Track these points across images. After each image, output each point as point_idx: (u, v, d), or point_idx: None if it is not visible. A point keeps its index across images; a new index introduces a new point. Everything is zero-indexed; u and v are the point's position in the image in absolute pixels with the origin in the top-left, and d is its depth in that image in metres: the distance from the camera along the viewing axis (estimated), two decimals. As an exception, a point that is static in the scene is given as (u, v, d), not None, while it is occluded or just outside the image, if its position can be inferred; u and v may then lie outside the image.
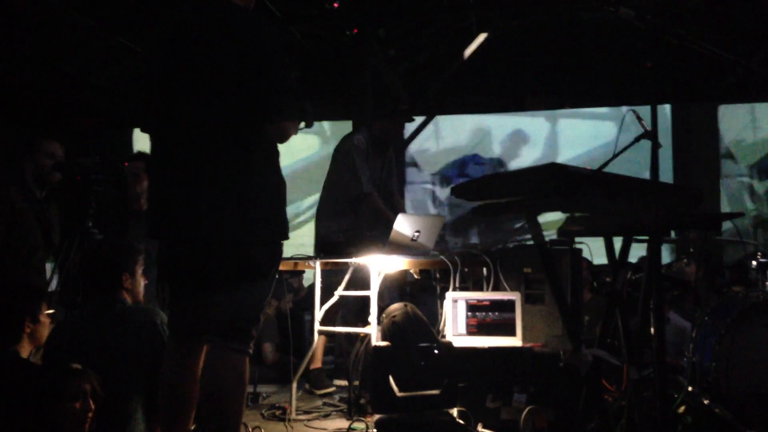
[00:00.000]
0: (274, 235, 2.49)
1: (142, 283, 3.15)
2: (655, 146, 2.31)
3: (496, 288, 3.90)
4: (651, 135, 2.39)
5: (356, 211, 4.62)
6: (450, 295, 3.74)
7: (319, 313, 4.00)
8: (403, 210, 4.86)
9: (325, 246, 4.09)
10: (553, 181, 2.39)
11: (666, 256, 7.29)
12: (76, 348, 2.81)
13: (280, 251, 2.56)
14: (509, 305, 3.66)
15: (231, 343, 2.42)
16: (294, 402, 3.94)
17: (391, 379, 3.31)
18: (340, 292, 3.99)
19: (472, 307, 3.72)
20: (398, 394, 3.29)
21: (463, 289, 3.94)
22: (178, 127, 2.42)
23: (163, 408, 2.52)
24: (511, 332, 3.63)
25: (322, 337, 4.46)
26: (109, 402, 2.57)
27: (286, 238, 2.53)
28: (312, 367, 4.45)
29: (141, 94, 2.60)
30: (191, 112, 2.40)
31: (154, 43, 2.59)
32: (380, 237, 3.89)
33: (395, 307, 3.67)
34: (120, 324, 2.93)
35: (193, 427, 2.53)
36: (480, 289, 3.99)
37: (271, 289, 2.52)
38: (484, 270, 4.00)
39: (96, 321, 2.95)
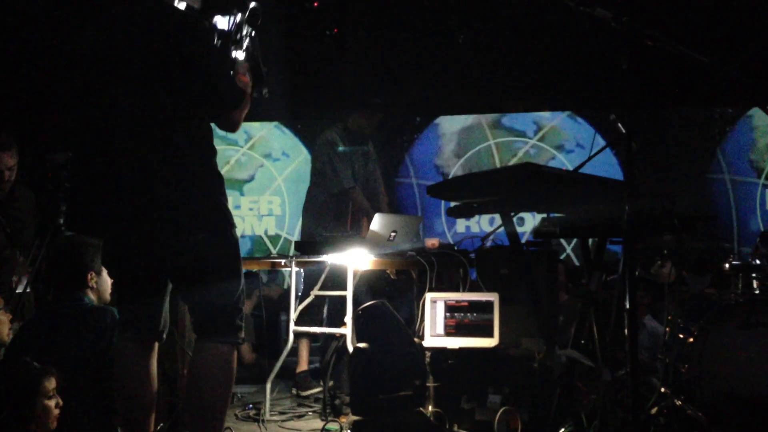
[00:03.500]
0: (216, 226, 2.41)
1: (109, 281, 3.11)
2: (629, 149, 2.32)
3: (473, 289, 3.90)
4: (626, 138, 2.38)
5: (339, 208, 4.63)
6: (429, 295, 3.73)
7: (294, 314, 3.98)
8: (389, 209, 4.87)
9: (299, 245, 4.08)
10: (528, 181, 2.38)
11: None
12: (37, 347, 2.78)
13: (231, 242, 2.47)
14: (488, 306, 3.66)
15: (220, 337, 2.39)
16: (268, 403, 3.90)
17: (369, 380, 3.30)
18: (315, 292, 3.98)
19: (450, 308, 3.71)
20: (379, 396, 3.27)
21: (439, 289, 3.93)
22: (110, 124, 2.36)
23: (122, 410, 2.49)
24: (489, 333, 3.62)
25: (306, 340, 4.43)
26: (66, 402, 2.55)
27: (234, 227, 2.48)
28: (298, 369, 4.44)
29: (67, 89, 2.55)
30: (123, 111, 2.34)
31: (80, 37, 2.50)
32: (358, 237, 3.88)
33: (371, 305, 3.64)
34: (76, 323, 2.89)
35: (159, 427, 2.49)
36: (455, 290, 3.98)
37: (240, 280, 2.47)
38: (461, 271, 4.00)
39: (55, 320, 2.92)
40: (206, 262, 2.38)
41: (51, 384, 2.47)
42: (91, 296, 3.02)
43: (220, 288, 2.41)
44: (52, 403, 2.46)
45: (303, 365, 4.47)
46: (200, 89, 2.36)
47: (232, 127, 2.54)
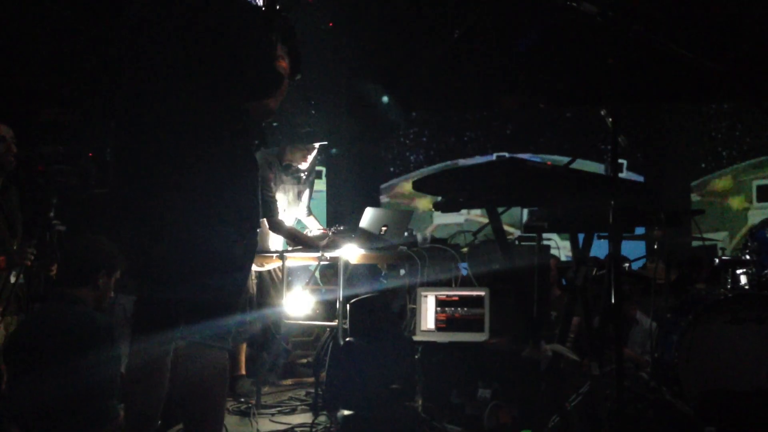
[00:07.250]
0: (248, 226, 2.36)
1: (111, 289, 3.10)
2: (615, 144, 2.32)
3: (464, 284, 3.91)
4: (613, 133, 2.39)
5: None
6: (420, 290, 3.73)
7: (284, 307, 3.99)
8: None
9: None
10: (513, 176, 2.39)
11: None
12: (27, 349, 2.78)
13: (255, 242, 2.45)
14: (478, 301, 3.66)
15: (210, 340, 2.27)
16: (259, 396, 3.91)
17: (361, 373, 3.30)
18: (308, 287, 3.99)
19: (441, 303, 3.71)
20: (370, 389, 3.28)
21: (430, 284, 3.94)
22: (149, 113, 2.28)
23: (131, 412, 2.38)
24: (480, 328, 3.63)
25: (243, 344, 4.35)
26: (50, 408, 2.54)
27: (258, 227, 2.43)
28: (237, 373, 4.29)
29: (109, 77, 2.47)
30: (164, 98, 2.27)
31: (123, 23, 2.42)
32: (347, 233, 3.89)
33: (365, 298, 3.65)
34: (68, 327, 2.86)
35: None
36: (447, 284, 3.99)
37: (246, 282, 2.43)
38: (452, 265, 4.01)
39: (48, 322, 2.89)
40: (226, 263, 2.29)
41: None
42: (91, 297, 3.00)
43: (226, 288, 2.31)
44: None
45: (241, 369, 4.34)
46: (240, 72, 2.25)
47: (266, 114, 2.46)
